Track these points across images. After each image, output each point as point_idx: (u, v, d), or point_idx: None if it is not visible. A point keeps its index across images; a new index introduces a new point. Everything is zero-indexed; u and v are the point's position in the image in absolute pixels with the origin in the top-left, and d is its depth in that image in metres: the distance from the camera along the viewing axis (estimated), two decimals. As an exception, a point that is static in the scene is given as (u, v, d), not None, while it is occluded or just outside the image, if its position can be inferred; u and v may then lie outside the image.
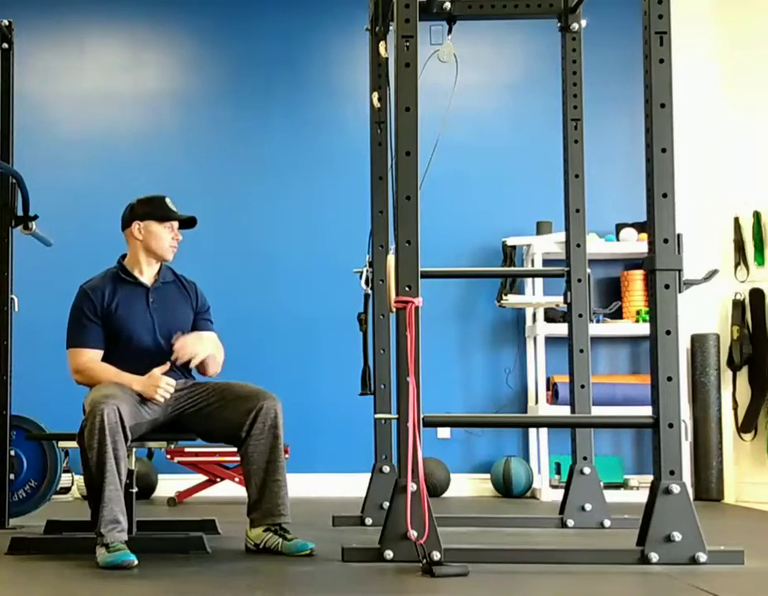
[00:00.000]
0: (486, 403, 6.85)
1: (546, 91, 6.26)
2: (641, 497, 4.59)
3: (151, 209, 4.19)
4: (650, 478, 3.86)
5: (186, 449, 6.23)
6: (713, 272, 4.37)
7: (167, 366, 4.05)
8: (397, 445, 3.76)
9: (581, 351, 4.95)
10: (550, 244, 6.57)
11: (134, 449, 4.05)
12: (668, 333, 3.70)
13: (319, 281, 6.85)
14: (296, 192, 7.00)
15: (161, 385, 3.96)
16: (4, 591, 3.28)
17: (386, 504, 3.99)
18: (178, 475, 6.49)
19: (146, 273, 4.21)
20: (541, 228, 6.70)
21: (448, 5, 4.80)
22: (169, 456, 6.28)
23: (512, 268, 6.67)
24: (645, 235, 4.27)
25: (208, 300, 4.34)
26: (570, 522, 4.81)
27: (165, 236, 4.18)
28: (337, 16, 7.05)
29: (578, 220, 5.00)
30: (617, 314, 6.71)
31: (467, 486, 6.83)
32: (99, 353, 4.11)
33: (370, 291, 5.06)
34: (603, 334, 6.61)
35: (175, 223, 4.20)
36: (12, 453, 4.85)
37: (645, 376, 5.80)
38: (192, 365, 4.12)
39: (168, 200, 4.22)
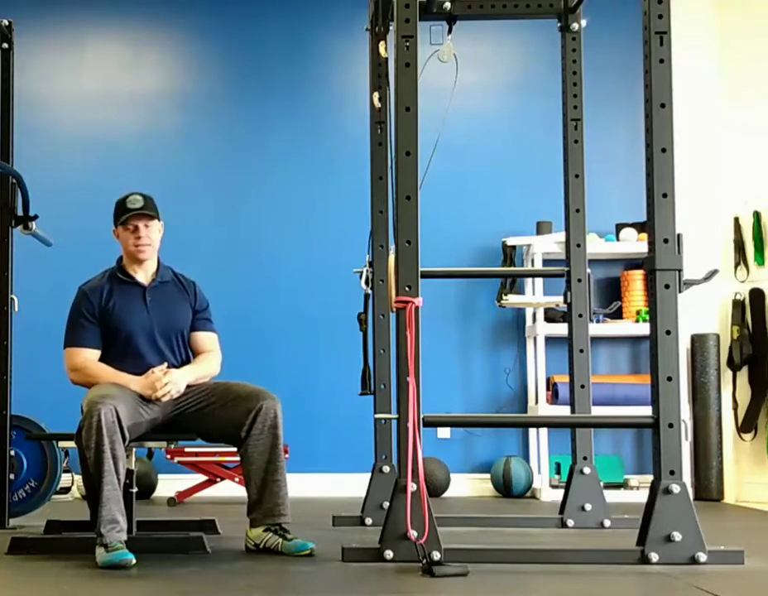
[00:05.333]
0: (486, 403, 6.85)
1: (546, 91, 6.25)
2: (641, 497, 4.59)
3: (115, 213, 4.18)
4: (650, 478, 3.86)
5: (186, 449, 6.23)
6: (713, 272, 4.37)
7: (165, 366, 4.05)
8: (397, 445, 3.77)
9: (581, 351, 4.95)
10: (550, 244, 6.57)
11: (134, 449, 4.05)
12: (668, 333, 3.71)
13: (319, 280, 6.85)
14: (296, 192, 6.99)
15: (168, 381, 3.96)
16: (4, 591, 3.28)
17: (386, 504, 3.99)
18: (178, 475, 6.49)
19: (142, 273, 4.21)
20: (541, 228, 6.70)
21: (448, 5, 4.80)
22: (169, 456, 6.27)
23: (512, 268, 6.67)
24: (645, 235, 4.27)
25: (207, 298, 4.33)
26: (570, 522, 4.81)
27: (127, 238, 4.16)
28: (337, 16, 7.05)
29: (578, 220, 5.00)
30: (617, 314, 6.71)
31: (467, 486, 6.83)
32: (96, 354, 4.11)
33: (370, 291, 5.06)
34: (603, 334, 6.61)
35: (136, 222, 4.13)
36: (12, 453, 4.84)
37: (645, 376, 5.80)
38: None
39: (131, 198, 4.15)
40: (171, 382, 4.00)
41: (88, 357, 4.09)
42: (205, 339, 4.27)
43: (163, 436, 4.14)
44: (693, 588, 3.20)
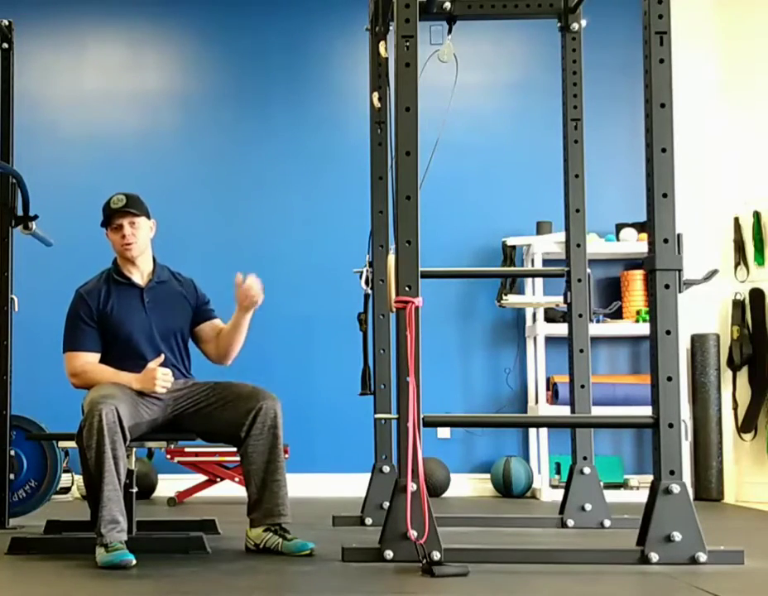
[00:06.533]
0: (486, 403, 6.85)
1: (546, 91, 6.26)
2: (641, 497, 4.60)
3: (103, 218, 4.17)
4: (650, 478, 3.86)
5: (186, 449, 6.23)
6: (713, 272, 4.37)
7: (161, 358, 4.05)
8: (397, 445, 3.76)
9: (581, 351, 4.95)
10: (550, 244, 6.57)
11: (134, 449, 4.05)
12: (668, 333, 3.70)
13: (319, 280, 6.85)
14: (296, 192, 7.00)
15: (158, 376, 3.96)
16: (4, 591, 3.28)
17: (386, 504, 3.99)
18: (178, 475, 6.49)
19: (137, 273, 4.20)
20: (541, 228, 6.70)
21: (448, 5, 4.80)
22: (169, 456, 6.27)
23: (512, 268, 6.67)
24: (645, 235, 4.28)
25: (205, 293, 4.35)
26: (570, 522, 4.81)
27: (115, 238, 4.16)
28: (337, 16, 7.05)
29: (578, 220, 5.00)
30: (617, 314, 6.71)
31: (467, 486, 6.83)
32: (96, 356, 4.10)
33: (370, 291, 5.06)
34: (603, 334, 6.61)
35: (119, 220, 4.12)
36: (12, 453, 4.85)
37: (645, 376, 5.80)
38: (249, 308, 4.12)
39: (114, 198, 4.14)
40: (167, 371, 4.00)
41: (88, 360, 4.09)
42: (218, 323, 4.29)
43: (163, 436, 4.14)
44: (693, 588, 3.20)
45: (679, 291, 3.72)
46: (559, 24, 5.06)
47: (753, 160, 6.79)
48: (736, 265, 6.76)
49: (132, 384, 3.99)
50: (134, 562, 3.62)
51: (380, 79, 5.12)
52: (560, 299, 5.12)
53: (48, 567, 3.71)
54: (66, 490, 6.39)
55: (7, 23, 5.00)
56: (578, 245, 4.99)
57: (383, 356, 5.06)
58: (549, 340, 6.57)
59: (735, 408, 6.67)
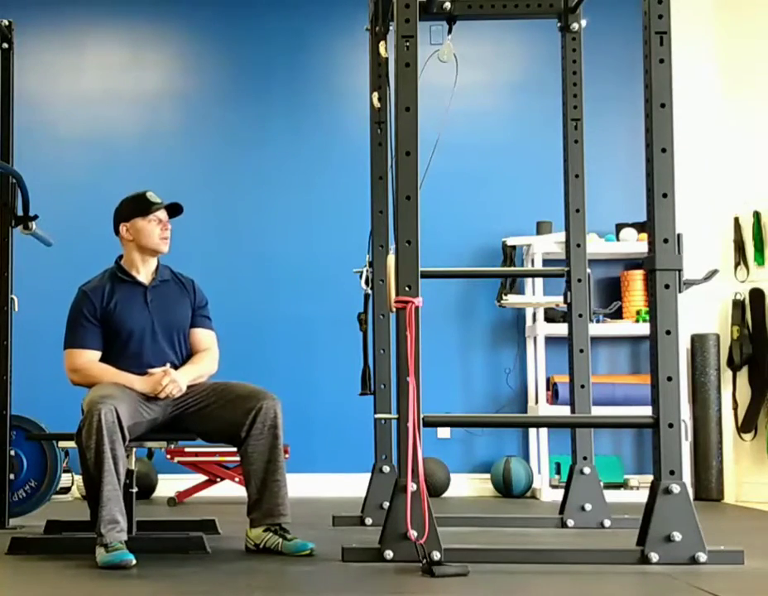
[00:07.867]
0: (486, 403, 6.85)
1: (546, 91, 6.25)
2: (641, 497, 4.60)
3: (134, 206, 4.17)
4: (650, 478, 3.86)
5: (186, 449, 6.23)
6: (713, 272, 4.37)
7: (167, 368, 4.05)
8: (397, 445, 3.76)
9: (581, 351, 4.95)
10: (550, 244, 6.57)
11: (134, 449, 4.05)
12: (668, 333, 3.71)
13: (319, 280, 6.85)
14: (296, 192, 7.00)
15: (168, 382, 3.97)
16: (4, 591, 3.28)
17: (386, 504, 3.99)
18: (178, 475, 6.49)
19: (144, 272, 4.21)
20: (541, 228, 6.70)
21: (448, 5, 4.80)
22: (169, 456, 6.27)
23: (512, 268, 6.67)
24: (645, 235, 4.28)
25: (206, 296, 4.34)
26: (570, 522, 4.81)
27: (152, 229, 4.16)
28: (337, 16, 7.05)
29: (578, 220, 5.00)
30: (617, 314, 6.71)
31: (467, 486, 6.83)
32: (97, 354, 4.10)
33: (370, 291, 5.06)
34: (603, 334, 6.61)
35: (161, 214, 4.17)
36: (12, 453, 4.85)
37: (645, 376, 5.80)
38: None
39: (150, 194, 4.19)
40: (172, 381, 4.00)
41: (90, 358, 4.09)
42: (203, 337, 4.27)
43: (163, 436, 4.14)
44: (693, 588, 3.20)
45: (679, 291, 3.72)
46: (559, 24, 5.06)
47: (753, 160, 6.79)
48: (736, 265, 6.76)
49: (135, 385, 3.99)
50: (134, 562, 3.62)
51: (380, 79, 5.13)
52: (560, 299, 5.12)
53: (48, 567, 3.71)
54: (66, 490, 6.39)
55: (7, 23, 5.00)
56: (578, 245, 4.99)
57: (383, 356, 5.06)
58: (549, 340, 6.57)
59: (735, 408, 6.67)
